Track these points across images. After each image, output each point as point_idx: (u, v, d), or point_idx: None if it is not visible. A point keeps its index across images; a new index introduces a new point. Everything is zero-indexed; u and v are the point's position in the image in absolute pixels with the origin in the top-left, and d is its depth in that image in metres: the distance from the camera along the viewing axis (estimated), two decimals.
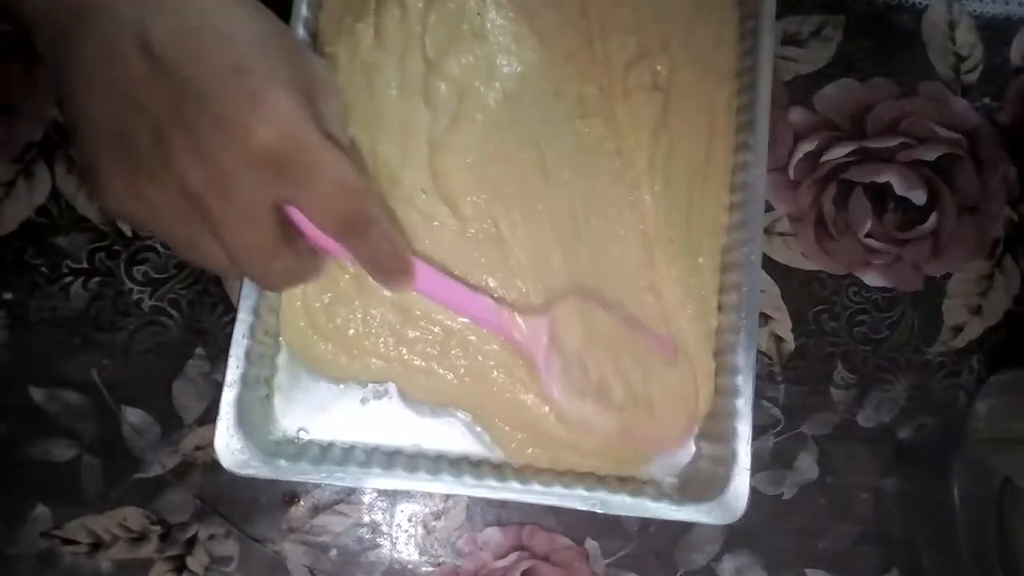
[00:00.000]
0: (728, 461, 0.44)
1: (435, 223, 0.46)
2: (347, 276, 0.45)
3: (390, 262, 0.37)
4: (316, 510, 0.49)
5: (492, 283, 0.46)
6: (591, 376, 0.45)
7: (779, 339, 0.52)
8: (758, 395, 0.48)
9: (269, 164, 0.31)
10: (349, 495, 0.49)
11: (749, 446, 0.44)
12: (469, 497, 0.49)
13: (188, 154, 0.31)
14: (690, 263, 0.47)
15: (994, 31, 0.55)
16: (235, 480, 0.42)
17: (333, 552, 0.48)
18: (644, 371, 0.46)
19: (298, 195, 0.33)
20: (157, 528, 0.48)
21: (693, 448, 0.47)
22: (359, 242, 0.36)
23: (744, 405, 0.44)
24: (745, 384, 0.44)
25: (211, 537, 0.48)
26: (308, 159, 0.32)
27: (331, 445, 0.46)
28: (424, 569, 0.49)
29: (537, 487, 0.43)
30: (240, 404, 0.42)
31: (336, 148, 0.33)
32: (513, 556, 0.49)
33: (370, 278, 0.39)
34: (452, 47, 0.48)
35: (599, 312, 0.46)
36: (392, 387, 0.47)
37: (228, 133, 0.30)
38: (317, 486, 0.48)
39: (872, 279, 0.52)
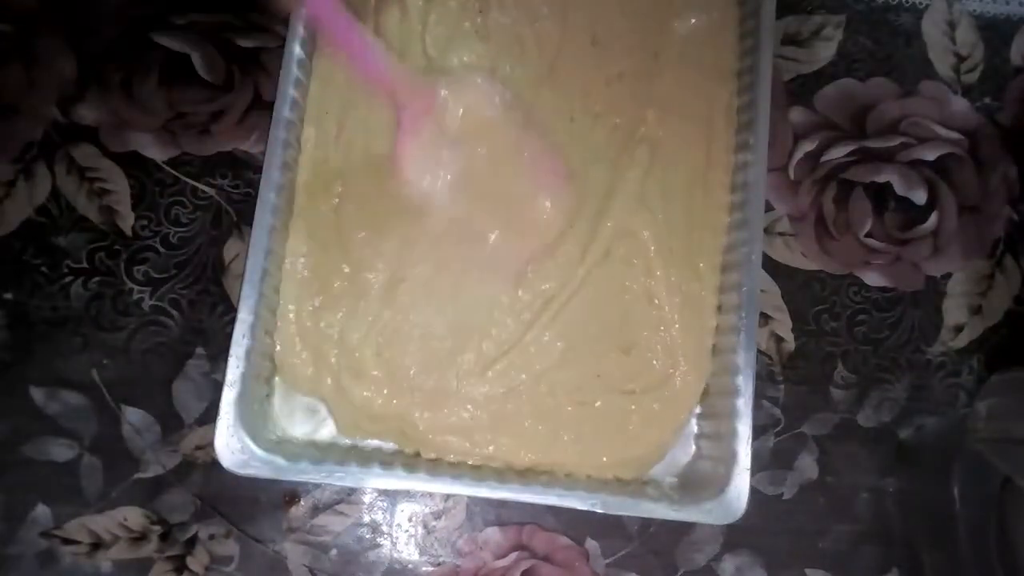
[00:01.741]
0: (728, 461, 0.44)
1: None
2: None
3: None
4: (316, 510, 0.49)
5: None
6: (455, 165, 0.43)
7: (779, 339, 0.52)
8: (758, 395, 0.48)
9: None
10: (349, 495, 0.49)
11: (749, 446, 0.44)
12: (469, 497, 0.49)
13: None
14: (690, 270, 0.47)
15: (994, 31, 0.55)
16: (235, 480, 0.42)
17: (333, 552, 0.48)
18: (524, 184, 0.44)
19: None
20: (157, 528, 0.48)
21: (693, 448, 0.47)
22: None
23: (744, 405, 0.44)
24: (745, 384, 0.44)
25: (211, 537, 0.48)
26: None
27: (331, 445, 0.46)
28: (424, 569, 0.49)
29: (537, 487, 0.43)
30: (240, 404, 0.42)
31: None
32: (513, 556, 0.49)
33: None
34: (452, 46, 0.48)
35: (496, 109, 0.44)
36: None
37: None
38: (317, 486, 0.49)
39: (872, 279, 0.52)
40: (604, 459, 0.45)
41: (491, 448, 0.45)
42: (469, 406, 0.45)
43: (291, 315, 0.45)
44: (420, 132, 0.42)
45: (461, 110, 0.44)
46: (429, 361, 0.45)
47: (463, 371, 0.45)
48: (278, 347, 0.45)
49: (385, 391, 0.45)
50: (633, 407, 0.46)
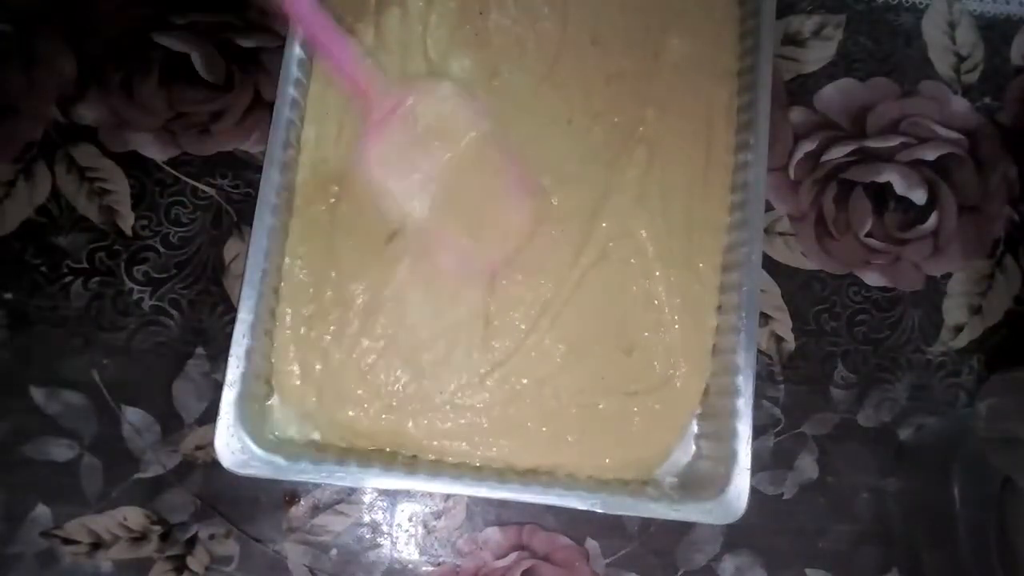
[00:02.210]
0: (728, 461, 0.44)
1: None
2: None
3: None
4: (316, 510, 0.49)
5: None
6: (419, 170, 0.44)
7: (779, 339, 0.52)
8: (758, 395, 0.48)
9: None
10: (349, 495, 0.49)
11: (749, 446, 0.43)
12: (469, 497, 0.49)
13: None
14: (690, 270, 0.47)
15: (994, 31, 0.55)
16: (235, 480, 0.42)
17: (333, 552, 0.48)
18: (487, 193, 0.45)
19: None
20: (157, 528, 0.48)
21: (693, 448, 0.47)
22: None
23: (744, 405, 0.44)
24: (745, 384, 0.44)
25: (211, 537, 0.48)
26: None
27: (331, 445, 0.46)
28: (424, 569, 0.49)
29: (537, 487, 0.43)
30: (240, 404, 0.42)
31: None
32: (513, 556, 0.49)
33: None
34: (453, 48, 0.48)
35: (465, 115, 0.45)
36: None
37: None
38: (317, 486, 0.49)
39: (872, 279, 0.52)
40: (607, 461, 0.45)
41: (493, 451, 0.45)
42: (468, 413, 0.45)
43: (288, 318, 0.45)
44: (386, 132, 0.43)
45: (429, 115, 0.44)
46: (419, 374, 0.45)
47: (459, 384, 0.45)
48: (275, 349, 0.45)
49: (372, 409, 0.45)
50: (635, 408, 0.46)
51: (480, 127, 0.45)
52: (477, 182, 0.45)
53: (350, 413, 0.45)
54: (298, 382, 0.45)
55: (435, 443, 0.45)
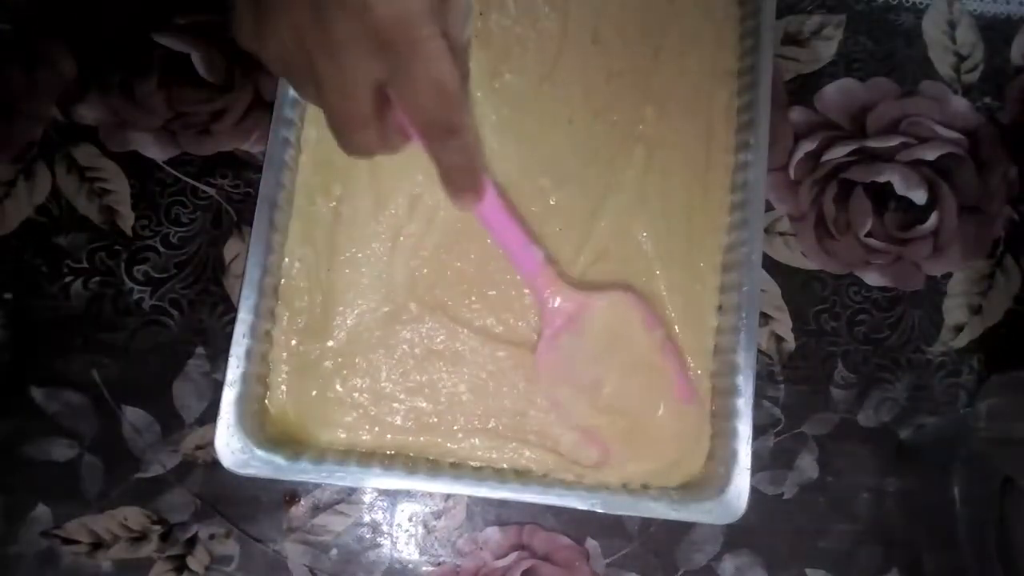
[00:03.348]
0: (728, 461, 0.44)
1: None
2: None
3: (462, 177, 0.37)
4: (316, 510, 0.49)
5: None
6: (589, 376, 0.45)
7: (779, 339, 0.52)
8: (758, 395, 0.48)
9: (377, 42, 0.32)
10: (349, 495, 0.49)
11: (749, 446, 0.44)
12: (469, 497, 0.49)
13: (307, 13, 0.32)
14: (690, 270, 0.47)
15: (994, 31, 0.55)
16: (235, 480, 0.42)
17: (333, 551, 0.48)
18: (648, 399, 0.45)
19: (395, 80, 0.33)
20: (157, 528, 0.48)
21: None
22: (439, 146, 0.35)
23: (744, 405, 0.44)
24: (745, 384, 0.44)
25: (211, 537, 0.48)
26: (414, 48, 0.32)
27: (332, 445, 0.46)
28: (424, 568, 0.49)
29: (537, 487, 0.43)
30: (240, 404, 0.42)
31: (444, 46, 0.33)
32: (513, 556, 0.49)
33: None
34: None
35: (639, 321, 0.45)
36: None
37: (348, 4, 0.31)
38: (317, 486, 0.49)
39: (873, 279, 0.52)
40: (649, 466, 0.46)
41: (506, 453, 0.45)
42: (475, 435, 0.45)
43: (284, 321, 0.45)
44: (558, 342, 0.45)
45: (601, 326, 0.45)
46: (416, 415, 0.45)
47: (463, 425, 0.45)
48: (271, 354, 0.45)
49: (360, 433, 0.45)
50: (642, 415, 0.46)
51: (655, 332, 0.45)
52: (637, 384, 0.45)
53: (327, 438, 0.45)
54: (283, 395, 0.45)
55: (434, 451, 0.45)
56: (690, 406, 0.45)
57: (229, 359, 0.43)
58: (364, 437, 0.45)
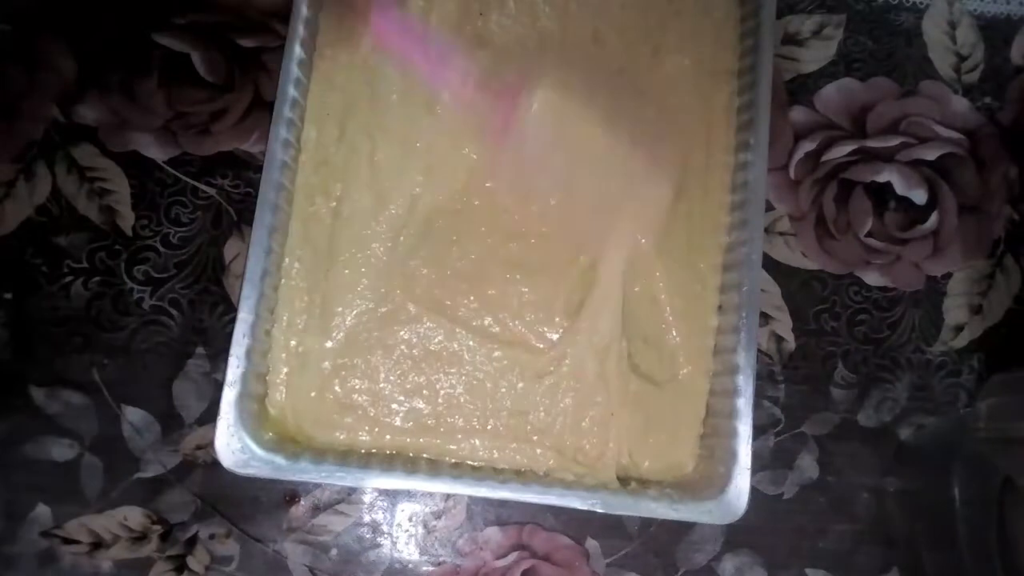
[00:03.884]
0: (728, 461, 0.44)
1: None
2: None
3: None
4: (316, 509, 0.49)
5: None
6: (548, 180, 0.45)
7: (779, 339, 0.52)
8: (758, 395, 0.48)
9: None
10: (349, 494, 0.49)
11: (749, 446, 0.43)
12: (469, 497, 0.49)
13: None
14: (690, 270, 0.47)
15: (995, 30, 0.55)
16: (235, 480, 0.42)
17: (333, 551, 0.48)
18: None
19: None
20: (157, 528, 0.48)
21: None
22: None
23: (744, 405, 0.44)
24: (745, 384, 0.44)
25: (211, 537, 0.48)
26: None
27: (332, 445, 0.46)
28: (424, 568, 0.49)
29: (537, 487, 0.43)
30: (240, 404, 0.42)
31: None
32: (513, 556, 0.49)
33: None
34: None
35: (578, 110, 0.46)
36: None
37: None
38: (317, 485, 0.49)
39: (873, 278, 0.52)
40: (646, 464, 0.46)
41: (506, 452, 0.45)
42: (475, 435, 0.45)
43: (284, 321, 0.45)
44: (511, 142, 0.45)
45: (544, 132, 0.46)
46: (415, 416, 0.45)
47: (462, 426, 0.45)
48: (270, 355, 0.45)
49: (359, 434, 0.45)
50: (644, 413, 0.46)
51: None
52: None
53: (324, 439, 0.45)
54: (281, 396, 0.45)
55: (434, 452, 0.45)
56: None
57: (229, 359, 0.42)
58: (363, 438, 0.45)
